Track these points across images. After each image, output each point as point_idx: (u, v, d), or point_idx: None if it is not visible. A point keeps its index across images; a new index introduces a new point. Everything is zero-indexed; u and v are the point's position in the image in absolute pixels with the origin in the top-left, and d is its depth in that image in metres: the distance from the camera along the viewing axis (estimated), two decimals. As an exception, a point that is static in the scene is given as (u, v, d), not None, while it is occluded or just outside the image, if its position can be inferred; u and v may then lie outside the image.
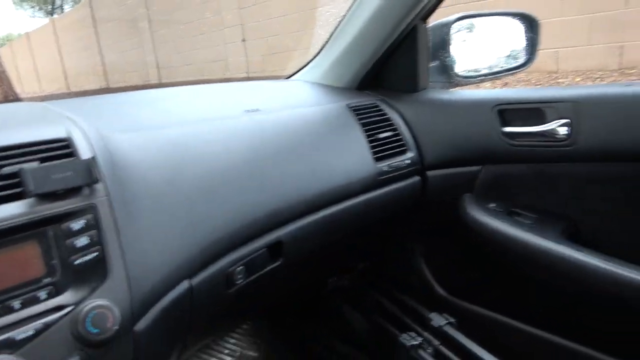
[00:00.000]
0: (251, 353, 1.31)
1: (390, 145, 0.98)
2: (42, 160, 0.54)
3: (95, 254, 0.54)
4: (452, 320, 1.06)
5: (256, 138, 0.81)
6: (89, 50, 12.49)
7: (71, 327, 0.50)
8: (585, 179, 0.90)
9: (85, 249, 0.53)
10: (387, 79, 1.11)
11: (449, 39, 1.06)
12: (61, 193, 0.53)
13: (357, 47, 1.08)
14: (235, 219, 0.71)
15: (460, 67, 1.09)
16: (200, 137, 0.75)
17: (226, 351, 1.29)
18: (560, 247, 0.85)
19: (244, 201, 0.73)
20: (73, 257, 0.52)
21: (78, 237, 0.53)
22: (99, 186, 0.56)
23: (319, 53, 1.21)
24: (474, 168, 1.01)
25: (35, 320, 0.49)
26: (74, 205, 0.53)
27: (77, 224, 0.53)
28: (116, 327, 0.51)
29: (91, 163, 0.55)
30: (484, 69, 1.10)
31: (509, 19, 1.10)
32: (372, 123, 0.98)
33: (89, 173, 0.54)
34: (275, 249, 0.79)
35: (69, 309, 0.51)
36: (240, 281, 0.74)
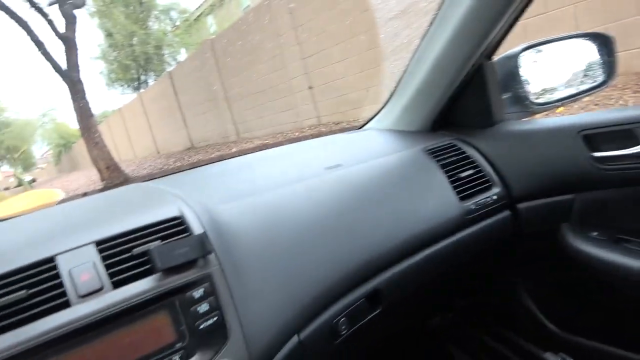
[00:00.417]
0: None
1: (473, 183, 0.97)
2: (163, 238, 0.63)
3: (215, 318, 0.60)
4: (569, 358, 0.99)
5: (340, 193, 0.86)
6: (172, 116, 13.66)
7: None
8: None
9: (207, 314, 0.60)
10: (459, 117, 1.12)
11: (518, 70, 1.06)
12: (181, 266, 0.61)
13: (425, 91, 1.11)
14: (332, 271, 0.75)
15: (535, 96, 1.07)
16: (289, 198, 0.81)
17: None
18: None
19: (336, 253, 0.77)
20: (198, 323, 0.59)
21: (200, 304, 0.60)
22: (211, 257, 0.64)
23: (389, 100, 1.25)
24: (567, 197, 0.97)
25: None
26: (193, 276, 0.61)
27: (197, 293, 0.60)
28: None
29: (204, 237, 0.62)
30: (560, 93, 1.08)
31: (580, 40, 1.08)
32: (451, 163, 0.99)
33: (203, 246, 0.62)
34: (373, 297, 0.81)
35: None
36: (344, 332, 0.77)
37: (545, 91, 1.09)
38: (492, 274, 1.20)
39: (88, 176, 14.53)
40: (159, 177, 0.99)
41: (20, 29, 9.30)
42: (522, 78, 1.06)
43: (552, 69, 1.09)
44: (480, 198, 0.97)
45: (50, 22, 9.42)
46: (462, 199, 0.95)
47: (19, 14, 9.14)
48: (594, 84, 1.06)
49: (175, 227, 0.65)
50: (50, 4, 9.53)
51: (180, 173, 1.01)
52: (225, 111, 10.73)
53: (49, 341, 0.51)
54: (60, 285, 0.55)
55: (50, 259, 0.57)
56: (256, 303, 0.65)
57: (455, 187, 0.95)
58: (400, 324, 1.11)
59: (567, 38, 1.08)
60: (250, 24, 9.06)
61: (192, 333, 0.59)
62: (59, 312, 0.53)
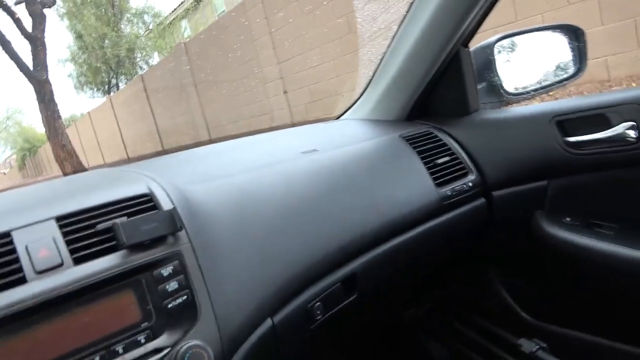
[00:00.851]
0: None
1: (450, 170, 0.97)
2: (129, 215, 0.59)
3: (184, 297, 0.57)
4: (543, 345, 1.00)
5: (315, 176, 0.84)
6: (144, 120, 13.40)
7: None
8: None
9: (175, 293, 0.57)
10: (435, 106, 1.13)
11: (494, 60, 1.07)
12: (148, 243, 0.57)
13: (402, 80, 1.10)
14: (306, 254, 0.73)
15: (509, 85, 1.08)
16: (263, 181, 0.79)
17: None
18: None
19: (311, 237, 0.75)
20: (166, 302, 0.56)
21: (168, 282, 0.57)
22: (181, 234, 0.61)
23: (364, 90, 1.24)
24: (541, 183, 0.98)
25: None
26: (161, 254, 0.57)
27: (166, 271, 0.57)
28: None
29: (173, 213, 0.59)
30: (534, 84, 1.09)
31: (551, 32, 1.10)
32: (428, 150, 0.98)
33: (172, 222, 0.58)
34: (349, 282, 0.80)
35: (166, 350, 0.54)
36: (319, 317, 0.75)
37: (518, 81, 1.10)
38: (466, 263, 1.21)
39: (54, 181, 14.07)
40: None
41: (-17, 26, 9.00)
42: (497, 68, 1.07)
43: (525, 60, 1.11)
44: (456, 184, 0.97)
45: (17, 21, 9.12)
46: (439, 185, 0.94)
47: (-17, 11, 8.84)
48: (566, 75, 1.08)
49: (143, 204, 0.62)
50: (17, 3, 9.24)
51: (153, 159, 0.98)
52: (199, 115, 10.60)
53: (3, 318, 0.47)
54: (16, 260, 0.51)
55: (6, 234, 0.53)
56: (228, 284, 0.62)
57: (432, 174, 0.95)
58: (376, 313, 1.09)
59: (541, 30, 1.10)
60: (225, 27, 9.00)
61: (160, 312, 0.55)
62: (14, 289, 0.49)
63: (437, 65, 1.04)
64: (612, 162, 0.87)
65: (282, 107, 8.13)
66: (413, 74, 1.08)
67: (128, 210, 0.60)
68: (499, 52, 1.09)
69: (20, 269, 0.51)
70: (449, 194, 0.95)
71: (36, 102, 9.18)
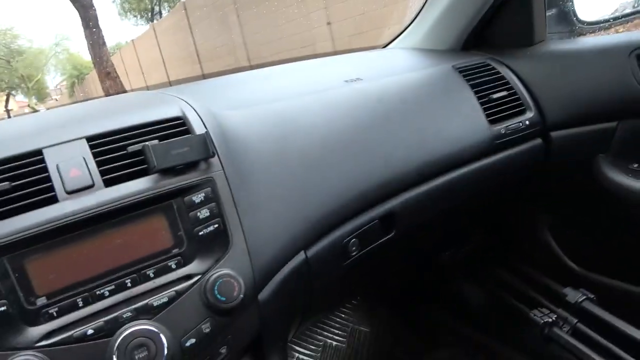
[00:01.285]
0: (363, 328, 1.30)
1: (506, 106, 0.89)
2: (161, 138, 0.57)
3: (216, 225, 0.55)
4: (590, 295, 0.95)
5: (359, 107, 0.78)
6: (185, 48, 13.35)
7: (200, 295, 0.52)
8: None
9: (207, 220, 0.55)
10: (495, 35, 1.02)
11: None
12: (180, 168, 0.55)
13: (459, 4, 1.00)
14: (345, 189, 0.70)
15: (584, 13, 0.95)
16: (304, 109, 0.74)
17: (337, 326, 1.29)
18: None
19: (351, 171, 0.71)
20: (197, 229, 0.54)
21: (200, 209, 0.55)
22: (214, 160, 0.58)
23: (416, 17, 1.14)
24: (608, 125, 0.88)
25: (168, 289, 0.52)
26: (193, 180, 0.55)
27: (197, 197, 0.55)
28: (242, 296, 0.52)
29: (206, 138, 0.56)
30: (614, 11, 0.96)
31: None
32: (483, 83, 0.90)
33: (205, 147, 0.55)
34: (387, 220, 0.76)
35: (196, 277, 0.53)
36: (354, 253, 0.72)
37: (595, 8, 0.97)
38: (515, 208, 1.14)
39: (101, 108, 14.53)
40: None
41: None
42: (572, -9, 0.94)
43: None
44: (512, 122, 0.89)
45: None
46: (492, 122, 0.87)
47: None
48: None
49: (175, 127, 0.59)
50: None
51: (190, 83, 0.94)
52: (240, 45, 10.44)
53: (32, 237, 0.47)
54: (48, 179, 0.50)
55: (37, 152, 0.52)
56: (261, 214, 0.60)
57: (485, 109, 0.87)
58: (413, 253, 1.06)
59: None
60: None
61: (191, 239, 0.54)
62: (46, 208, 0.48)
63: None
64: None
65: (324, 39, 7.84)
66: (472, -1, 0.96)
67: (160, 134, 0.57)
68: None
69: (51, 188, 0.50)
70: (503, 132, 0.87)
71: (82, 29, 9.26)
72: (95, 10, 9.12)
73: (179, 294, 0.51)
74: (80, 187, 0.50)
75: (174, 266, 0.53)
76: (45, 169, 0.51)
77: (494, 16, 0.99)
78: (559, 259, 1.08)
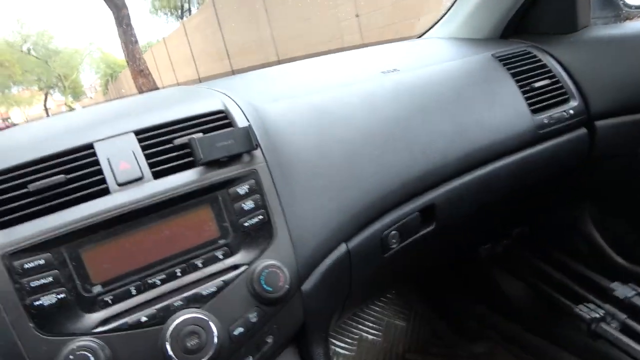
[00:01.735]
0: (398, 322, 1.30)
1: (548, 95, 0.86)
2: (204, 131, 0.58)
3: (260, 216, 0.56)
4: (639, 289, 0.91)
5: (397, 98, 0.77)
6: (214, 44, 13.52)
7: (247, 285, 0.53)
8: None
9: (251, 211, 0.56)
10: (536, 21, 0.99)
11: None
12: (224, 160, 0.56)
13: (499, -8, 0.97)
14: (385, 180, 0.69)
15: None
16: (342, 101, 0.74)
17: (372, 319, 1.29)
18: None
19: (390, 162, 0.70)
20: (242, 220, 0.55)
21: (244, 200, 0.55)
22: (257, 153, 0.58)
23: (451, 7, 1.12)
24: None
25: (216, 278, 0.53)
26: (237, 171, 0.56)
27: (242, 189, 0.56)
28: (287, 287, 0.53)
29: (249, 130, 0.56)
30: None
31: None
32: (524, 72, 0.87)
33: (248, 140, 0.56)
34: (427, 212, 0.75)
35: (243, 268, 0.54)
36: (394, 245, 0.72)
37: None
38: (558, 200, 1.11)
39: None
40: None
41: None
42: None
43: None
44: (555, 112, 0.86)
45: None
46: (535, 111, 0.84)
47: None
48: None
49: (217, 120, 0.60)
50: None
51: (227, 77, 0.95)
52: (268, 41, 10.49)
53: (87, 228, 0.49)
54: (99, 172, 0.52)
55: (89, 146, 0.54)
56: (304, 205, 0.60)
57: (527, 98, 0.85)
58: (452, 246, 1.05)
59: None
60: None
61: (236, 230, 0.55)
62: (98, 199, 0.50)
63: None
64: None
65: (353, 32, 7.78)
66: (512, -16, 0.94)
67: (203, 127, 0.59)
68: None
69: (103, 181, 0.52)
70: (546, 122, 0.85)
71: (114, 28, 9.49)
72: (127, 9, 9.33)
73: (226, 283, 0.53)
74: (130, 179, 0.52)
75: (220, 256, 0.54)
76: (97, 162, 0.53)
77: (534, 2, 0.96)
78: (603, 252, 1.04)
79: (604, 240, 1.04)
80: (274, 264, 0.53)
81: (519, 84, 0.85)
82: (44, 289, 0.46)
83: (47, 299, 0.46)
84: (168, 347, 0.47)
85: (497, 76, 0.86)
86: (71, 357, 0.44)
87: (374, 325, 1.29)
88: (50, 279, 0.46)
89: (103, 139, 0.55)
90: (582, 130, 0.90)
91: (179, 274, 0.52)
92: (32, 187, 0.49)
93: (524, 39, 0.98)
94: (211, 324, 0.49)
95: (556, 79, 0.88)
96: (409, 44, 1.07)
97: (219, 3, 12.75)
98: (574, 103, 0.88)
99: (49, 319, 0.46)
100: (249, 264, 0.54)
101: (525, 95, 0.85)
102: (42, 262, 0.47)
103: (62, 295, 0.47)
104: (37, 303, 0.46)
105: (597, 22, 0.95)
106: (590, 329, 0.93)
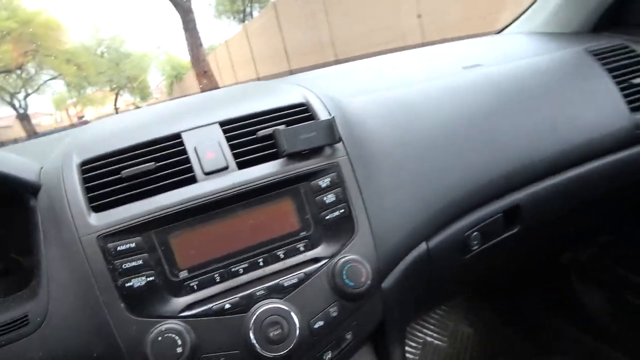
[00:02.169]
0: (465, 328, 1.24)
1: None
2: (287, 124, 0.58)
3: (342, 210, 0.55)
4: None
5: (481, 93, 0.74)
6: (274, 48, 13.79)
7: (328, 278, 0.52)
8: None
9: (333, 205, 0.55)
10: (632, 14, 0.91)
11: None
12: (306, 153, 0.55)
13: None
14: (468, 178, 0.66)
15: None
16: (423, 95, 0.71)
17: (437, 324, 1.25)
18: None
19: (474, 160, 0.67)
20: (323, 213, 0.54)
21: (326, 193, 0.55)
22: (338, 146, 0.57)
23: (534, 2, 1.05)
24: None
25: (297, 270, 0.52)
26: (319, 164, 0.55)
27: (323, 182, 0.55)
28: (369, 282, 0.51)
29: (332, 122, 0.56)
30: None
31: None
32: (621, 67, 0.81)
33: (331, 132, 0.55)
34: (512, 214, 0.71)
35: (324, 261, 0.53)
36: (475, 247, 0.69)
37: None
38: None
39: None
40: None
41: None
42: None
43: None
44: None
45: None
46: (634, 110, 0.78)
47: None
48: None
49: (299, 113, 0.60)
50: None
51: (300, 73, 0.95)
52: (327, 43, 10.55)
53: (176, 214, 0.50)
54: (187, 160, 0.53)
55: (177, 135, 0.56)
56: (385, 201, 0.58)
57: (625, 96, 0.78)
58: (534, 251, 0.99)
59: None
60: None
61: (317, 223, 0.54)
62: (186, 187, 0.51)
63: None
64: None
65: (414, 32, 7.64)
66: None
67: (285, 119, 0.58)
68: None
69: (191, 169, 0.53)
70: None
71: (180, 32, 9.91)
72: (194, 13, 9.74)
73: (307, 275, 0.52)
74: (216, 168, 0.53)
75: (302, 248, 0.54)
76: (184, 151, 0.54)
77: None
78: None
79: None
80: (355, 258, 0.52)
81: (616, 80, 0.79)
82: (134, 271, 0.48)
83: (137, 281, 0.47)
84: (251, 335, 0.47)
85: (590, 72, 0.80)
86: (159, 338, 0.45)
87: (439, 330, 1.24)
88: (141, 261, 0.48)
89: (190, 129, 0.56)
90: None
91: (261, 263, 0.52)
92: (124, 173, 0.51)
93: (619, 33, 0.91)
94: (293, 315, 0.48)
95: None
96: (490, 39, 1.02)
97: (280, 5, 13.01)
98: None
99: (139, 300, 0.47)
100: (330, 257, 0.53)
101: (623, 93, 0.78)
102: (133, 245, 0.48)
103: (151, 278, 0.48)
104: (128, 284, 0.47)
105: None
106: None
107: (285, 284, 0.51)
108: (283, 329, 0.47)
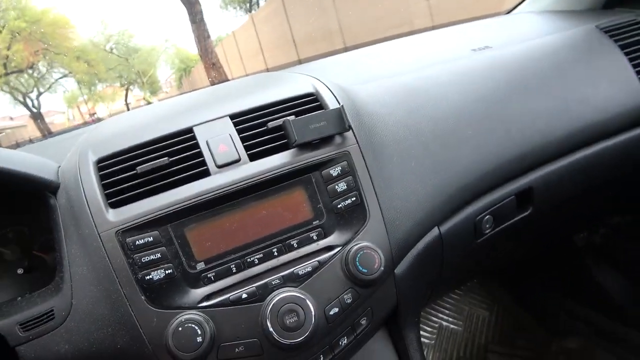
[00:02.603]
0: (480, 312, 1.25)
1: None
2: (297, 114, 0.58)
3: (353, 198, 0.55)
4: None
5: (490, 76, 0.73)
6: (282, 36, 13.71)
7: (342, 266, 0.53)
8: None
9: (344, 193, 0.55)
10: None
11: None
12: (317, 142, 0.56)
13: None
14: (479, 162, 0.66)
15: None
16: (432, 80, 0.71)
17: (453, 308, 1.25)
18: None
19: (485, 143, 0.67)
20: (335, 201, 0.55)
21: (337, 182, 0.55)
22: (348, 134, 0.58)
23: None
24: None
25: (311, 259, 0.53)
26: (330, 153, 0.56)
27: (334, 171, 0.55)
28: (382, 268, 0.52)
29: (342, 111, 0.56)
30: None
31: None
32: (635, 43, 0.79)
33: (341, 121, 0.55)
34: (524, 196, 0.71)
35: (337, 249, 0.54)
36: (488, 230, 0.69)
37: None
38: None
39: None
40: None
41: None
42: None
43: None
44: None
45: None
46: None
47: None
48: None
49: (309, 103, 0.60)
50: None
51: (308, 63, 0.95)
52: (335, 29, 10.45)
53: (191, 207, 0.51)
54: (200, 154, 0.54)
55: (189, 130, 0.56)
56: (396, 188, 0.59)
57: (639, 72, 0.76)
58: (546, 233, 0.98)
59: None
60: None
61: (329, 212, 0.55)
62: (200, 180, 0.52)
63: None
64: None
65: (422, 15, 7.53)
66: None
67: (295, 110, 0.59)
68: None
69: (204, 163, 0.53)
70: None
71: (187, 25, 9.91)
72: (200, 5, 9.71)
73: (321, 263, 0.53)
74: (228, 161, 0.54)
75: (315, 237, 0.54)
76: (197, 145, 0.55)
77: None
78: None
79: None
80: (368, 245, 0.53)
81: (629, 56, 0.78)
82: (153, 264, 0.49)
83: (157, 274, 0.49)
84: (268, 323, 0.48)
85: (603, 49, 0.78)
86: (180, 329, 0.46)
87: (454, 314, 1.25)
88: (159, 255, 0.49)
89: (201, 123, 0.57)
90: None
91: (275, 253, 0.53)
92: (139, 169, 0.52)
93: (632, 7, 0.89)
94: (308, 302, 0.49)
95: None
96: (499, 19, 1.01)
97: (286, -6, 12.89)
98: None
99: (159, 293, 0.49)
100: (343, 245, 0.54)
101: (637, 69, 0.77)
102: (150, 239, 0.49)
103: (169, 271, 0.49)
104: (147, 277, 0.48)
105: None
106: None
107: (300, 273, 0.52)
108: (299, 316, 0.48)
